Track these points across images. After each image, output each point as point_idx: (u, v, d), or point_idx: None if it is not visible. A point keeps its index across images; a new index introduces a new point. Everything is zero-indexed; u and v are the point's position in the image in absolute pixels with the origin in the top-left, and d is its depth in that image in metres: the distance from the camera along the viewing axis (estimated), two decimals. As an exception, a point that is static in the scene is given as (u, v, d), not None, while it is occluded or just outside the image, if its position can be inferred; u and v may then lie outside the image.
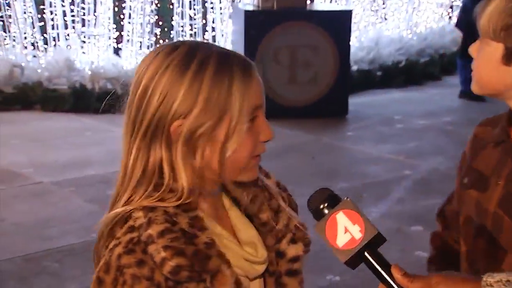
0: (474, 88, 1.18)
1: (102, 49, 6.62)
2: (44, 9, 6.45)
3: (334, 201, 0.90)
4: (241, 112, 0.92)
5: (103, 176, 4.17)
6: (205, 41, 6.34)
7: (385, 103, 6.30)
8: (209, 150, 0.92)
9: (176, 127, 0.91)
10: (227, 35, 7.03)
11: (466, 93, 6.30)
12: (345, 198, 0.89)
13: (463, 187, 1.29)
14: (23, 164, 4.76)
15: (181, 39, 6.88)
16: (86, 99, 6.01)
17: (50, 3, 6.40)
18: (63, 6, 6.46)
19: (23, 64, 6.24)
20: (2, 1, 6.16)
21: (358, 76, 7.05)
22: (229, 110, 0.91)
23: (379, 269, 0.86)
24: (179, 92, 0.90)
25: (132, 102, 0.95)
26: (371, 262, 0.86)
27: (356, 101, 6.40)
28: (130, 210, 0.93)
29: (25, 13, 6.33)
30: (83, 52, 6.56)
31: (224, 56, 0.94)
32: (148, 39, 6.73)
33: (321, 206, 0.90)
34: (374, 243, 0.86)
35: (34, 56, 6.35)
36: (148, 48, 6.76)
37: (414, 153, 4.91)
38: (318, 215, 0.90)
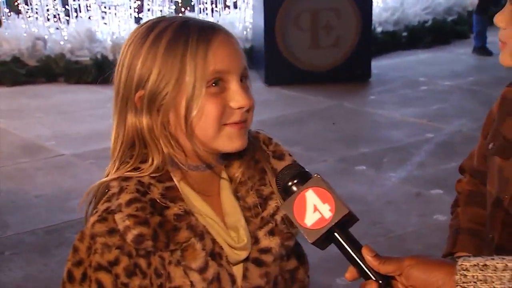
0: (506, 60, 1.01)
1: (123, 19, 6.42)
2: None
3: (304, 178, 0.82)
4: (198, 75, 0.89)
5: (122, 147, 4.11)
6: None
7: (410, 65, 6.00)
8: (174, 117, 0.90)
9: (139, 96, 0.91)
10: (248, 2, 6.74)
11: (477, 49, 6.22)
12: (315, 175, 0.81)
13: (489, 152, 1.16)
14: (46, 136, 4.72)
15: (202, 6, 6.67)
16: (108, 70, 5.86)
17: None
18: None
19: (46, 37, 6.10)
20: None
21: (383, 37, 6.76)
22: (185, 75, 0.90)
23: (349, 250, 0.79)
24: (138, 62, 0.90)
25: (114, 81, 0.98)
26: (341, 243, 0.79)
27: (380, 64, 6.19)
28: (110, 180, 0.92)
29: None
30: (104, 23, 6.38)
31: (183, 25, 0.93)
32: (169, 7, 6.50)
33: (290, 183, 0.82)
34: (345, 222, 0.79)
35: (57, 28, 6.17)
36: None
37: (437, 116, 4.66)
38: (287, 192, 0.83)
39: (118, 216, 0.87)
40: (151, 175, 0.89)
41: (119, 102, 0.93)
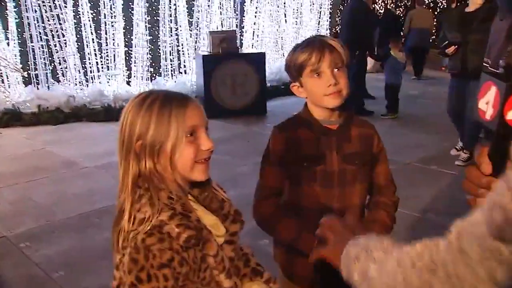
0: None
1: (120, 82, 7.57)
2: (85, 62, 7.40)
3: None
4: (180, 131, 1.04)
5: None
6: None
7: (290, 104, 6.03)
8: (163, 159, 1.05)
9: (139, 145, 1.04)
10: (193, 70, 8.04)
11: None
12: None
13: None
14: (77, 155, 5.19)
15: (167, 73, 8.08)
16: (112, 113, 6.59)
17: (89, 58, 7.39)
18: (96, 59, 7.44)
19: (74, 95, 7.07)
20: (60, 58, 7.08)
21: (272, 89, 7.99)
22: (171, 130, 1.03)
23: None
24: (138, 121, 1.04)
25: (118, 136, 1.08)
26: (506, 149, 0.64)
27: (271, 104, 7.40)
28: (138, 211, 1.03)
29: (75, 64, 7.25)
30: (109, 85, 7.49)
31: (167, 95, 1.07)
32: (146, 74, 7.76)
33: None
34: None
35: (81, 89, 7.22)
36: (147, 80, 7.80)
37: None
38: (508, 74, 0.68)
39: (167, 227, 1.01)
40: (169, 197, 1.04)
41: (124, 150, 1.07)
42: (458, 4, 10.28)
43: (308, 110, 1.52)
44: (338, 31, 9.74)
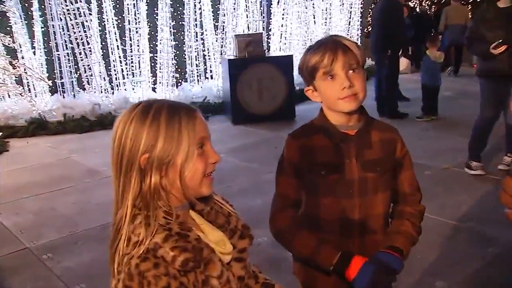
0: None
1: (145, 89, 7.73)
2: (110, 69, 7.55)
3: None
4: (191, 143, 1.00)
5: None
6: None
7: (317, 109, 7.30)
8: (172, 173, 1.01)
9: (144, 159, 0.99)
10: (219, 75, 8.10)
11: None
12: None
13: None
14: (101, 164, 5.16)
15: (192, 78, 8.25)
16: None
17: (114, 65, 7.55)
18: (121, 66, 7.59)
19: (100, 102, 7.22)
20: (85, 66, 7.23)
21: (300, 93, 6.92)
22: (182, 142, 0.99)
23: None
24: (143, 135, 0.98)
25: (113, 151, 1.03)
26: None
27: (300, 109, 7.33)
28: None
29: (100, 72, 7.39)
30: (134, 92, 7.65)
31: (173, 106, 1.03)
32: (172, 80, 7.87)
33: None
34: None
35: (106, 97, 7.36)
36: (172, 86, 7.88)
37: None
38: None
39: (161, 251, 0.95)
40: (165, 217, 0.99)
41: (124, 166, 1.01)
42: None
43: (324, 115, 1.45)
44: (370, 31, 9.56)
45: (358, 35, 11.35)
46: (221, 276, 1.03)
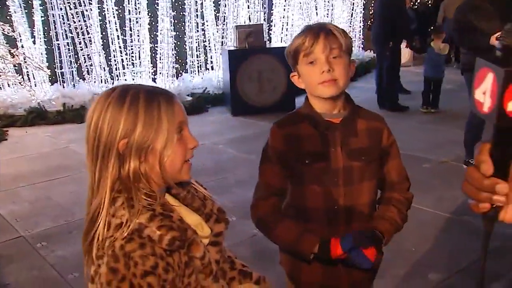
0: None
1: (145, 79, 7.63)
2: (110, 59, 7.50)
3: None
4: (170, 128, 0.99)
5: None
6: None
7: None
8: (152, 158, 1.00)
9: (123, 144, 0.98)
10: (219, 66, 8.09)
11: None
12: None
13: None
14: None
15: (192, 69, 8.18)
16: None
17: (114, 55, 7.47)
18: (121, 57, 7.53)
19: (99, 92, 6.64)
20: (85, 56, 7.21)
21: None
22: (161, 127, 0.98)
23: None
24: (121, 120, 0.97)
25: (88, 137, 1.02)
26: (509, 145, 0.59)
27: (300, 101, 6.83)
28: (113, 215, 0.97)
29: (100, 62, 7.36)
30: (134, 82, 6.80)
31: (151, 91, 1.02)
32: (172, 70, 7.87)
33: None
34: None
35: (106, 87, 5.58)
36: (172, 77, 7.87)
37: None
38: (507, 58, 0.58)
39: (147, 230, 0.95)
40: (146, 199, 0.99)
41: (101, 152, 0.99)
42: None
43: (309, 103, 1.44)
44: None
45: (360, 27, 11.28)
46: (204, 257, 1.03)
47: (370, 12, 11.40)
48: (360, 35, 11.30)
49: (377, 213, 1.50)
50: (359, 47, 11.15)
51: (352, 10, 10.93)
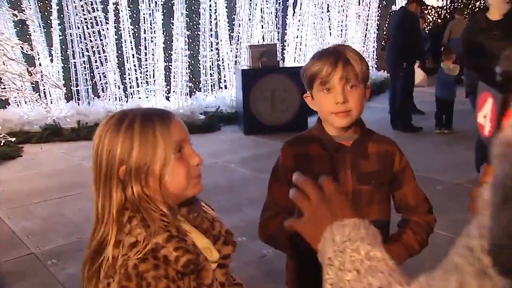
0: None
1: (159, 98, 7.76)
2: (125, 77, 7.61)
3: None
4: (167, 148, 0.99)
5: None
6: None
7: None
8: (152, 180, 1.00)
9: (122, 171, 0.98)
10: (233, 85, 8.14)
11: None
12: None
13: None
14: None
15: (206, 88, 8.26)
16: None
17: (129, 73, 7.60)
18: (135, 75, 7.64)
19: (114, 110, 6.32)
20: (101, 74, 7.32)
21: None
22: (157, 148, 0.98)
23: None
24: (117, 146, 0.98)
25: (92, 164, 1.02)
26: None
27: (313, 120, 6.84)
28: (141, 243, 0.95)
29: (115, 80, 7.43)
30: (148, 100, 7.68)
31: (146, 113, 1.02)
32: (185, 89, 7.89)
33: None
34: None
35: (121, 105, 7.35)
36: (186, 95, 7.88)
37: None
38: (507, 83, 0.60)
39: (164, 251, 0.93)
40: (161, 220, 0.98)
41: (103, 178, 1.00)
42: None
43: (321, 125, 1.44)
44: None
45: (374, 47, 11.28)
46: (212, 284, 1.02)
47: (384, 33, 11.42)
48: (374, 55, 11.30)
49: (392, 236, 1.47)
50: (373, 67, 11.12)
51: (366, 30, 10.95)
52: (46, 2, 7.48)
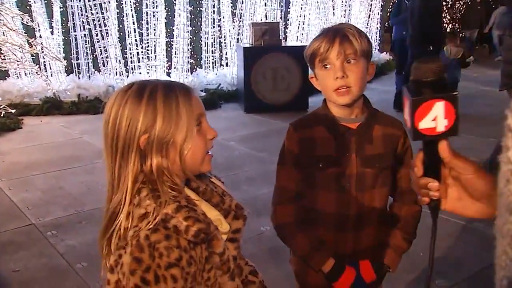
0: None
1: (160, 73, 7.71)
2: (126, 52, 7.57)
3: (441, 86, 0.69)
4: (190, 121, 0.99)
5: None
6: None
7: None
8: (173, 152, 0.99)
9: (144, 140, 0.97)
10: (234, 62, 8.15)
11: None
12: (455, 93, 0.69)
13: None
14: None
15: (207, 65, 8.27)
16: None
17: (130, 48, 7.51)
18: (136, 50, 7.61)
19: (114, 85, 7.20)
20: (102, 48, 7.25)
21: None
22: (181, 120, 0.98)
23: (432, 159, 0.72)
24: (140, 115, 0.97)
25: (106, 133, 1.00)
26: (432, 152, 0.73)
27: (314, 100, 6.85)
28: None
29: (116, 54, 7.38)
30: (149, 76, 7.58)
31: (168, 85, 1.02)
32: (186, 66, 7.92)
33: (425, 82, 0.70)
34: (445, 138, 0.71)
35: (121, 80, 7.33)
36: (187, 72, 7.90)
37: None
38: (417, 86, 0.70)
39: (174, 221, 0.94)
40: (171, 191, 0.98)
41: (120, 148, 0.99)
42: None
43: (327, 106, 1.43)
44: (389, 25, 9.37)
45: (377, 28, 11.20)
46: (223, 253, 1.02)
47: (387, 14, 11.31)
48: (377, 36, 11.21)
49: (384, 240, 1.51)
50: (375, 48, 11.04)
51: (370, 11, 10.84)
52: (47, -28, 7.39)
